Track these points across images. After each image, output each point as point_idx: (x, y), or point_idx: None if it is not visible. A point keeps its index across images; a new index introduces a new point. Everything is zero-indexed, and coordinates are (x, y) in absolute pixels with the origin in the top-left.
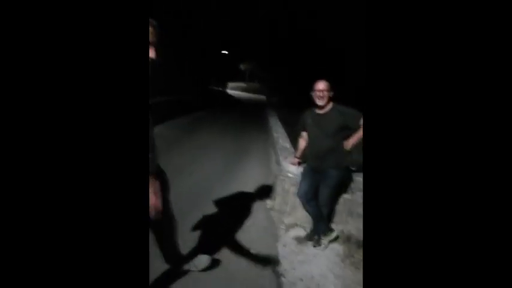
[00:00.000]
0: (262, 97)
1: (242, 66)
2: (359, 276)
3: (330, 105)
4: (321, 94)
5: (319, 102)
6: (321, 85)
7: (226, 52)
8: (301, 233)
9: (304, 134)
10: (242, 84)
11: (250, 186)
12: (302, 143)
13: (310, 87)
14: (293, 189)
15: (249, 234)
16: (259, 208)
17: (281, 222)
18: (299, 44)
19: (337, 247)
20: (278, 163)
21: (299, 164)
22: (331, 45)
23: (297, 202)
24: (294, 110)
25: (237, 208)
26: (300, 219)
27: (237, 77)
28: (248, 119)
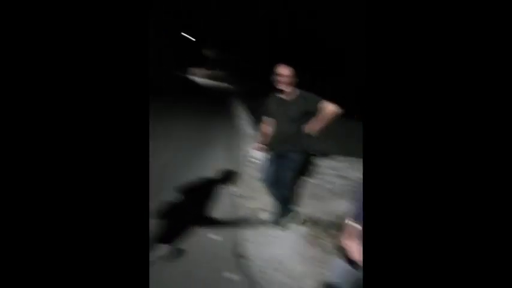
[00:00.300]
0: (227, 85)
1: (205, 52)
2: (324, 255)
3: (296, 92)
4: (282, 79)
5: (281, 87)
6: (284, 70)
7: (192, 38)
8: (266, 216)
9: (268, 119)
10: (206, 71)
11: (215, 173)
12: (266, 128)
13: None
14: (257, 175)
15: (214, 220)
16: (224, 194)
17: (246, 207)
18: (299, 43)
19: (300, 228)
20: (242, 149)
21: (263, 149)
22: (331, 45)
23: (261, 187)
24: (261, 98)
25: (201, 195)
26: (264, 204)
27: (200, 63)
28: (213, 107)
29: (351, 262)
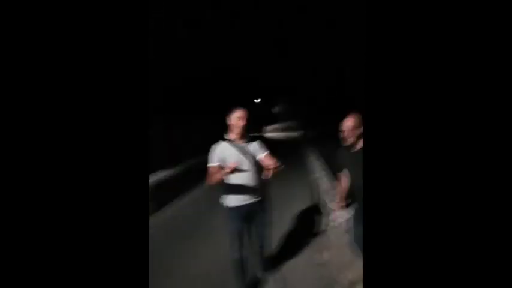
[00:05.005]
0: (298, 134)
1: (274, 110)
2: None
3: (361, 141)
4: (345, 134)
5: (346, 143)
6: (346, 123)
7: (259, 100)
8: None
9: (343, 174)
10: (277, 126)
11: (296, 239)
12: (342, 183)
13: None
14: (345, 239)
15: None
16: (308, 265)
17: (339, 281)
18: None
19: None
20: (323, 208)
21: (343, 208)
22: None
23: (353, 253)
24: (331, 142)
25: (285, 266)
26: (360, 275)
27: (271, 120)
28: (288, 161)
29: None
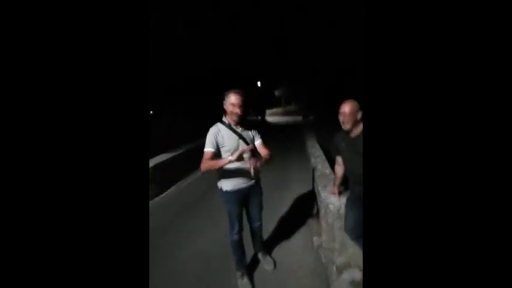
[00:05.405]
0: (300, 117)
1: (277, 92)
2: None
3: (361, 127)
4: (343, 119)
5: (344, 127)
6: (344, 108)
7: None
8: (357, 275)
9: (340, 159)
10: (279, 109)
11: (291, 223)
12: (339, 169)
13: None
14: (338, 224)
15: (296, 278)
16: (301, 248)
17: (332, 263)
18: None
19: None
20: (318, 194)
21: (340, 193)
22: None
23: (346, 238)
24: (329, 128)
25: (281, 249)
26: (352, 258)
27: (273, 103)
28: (287, 145)
29: None
